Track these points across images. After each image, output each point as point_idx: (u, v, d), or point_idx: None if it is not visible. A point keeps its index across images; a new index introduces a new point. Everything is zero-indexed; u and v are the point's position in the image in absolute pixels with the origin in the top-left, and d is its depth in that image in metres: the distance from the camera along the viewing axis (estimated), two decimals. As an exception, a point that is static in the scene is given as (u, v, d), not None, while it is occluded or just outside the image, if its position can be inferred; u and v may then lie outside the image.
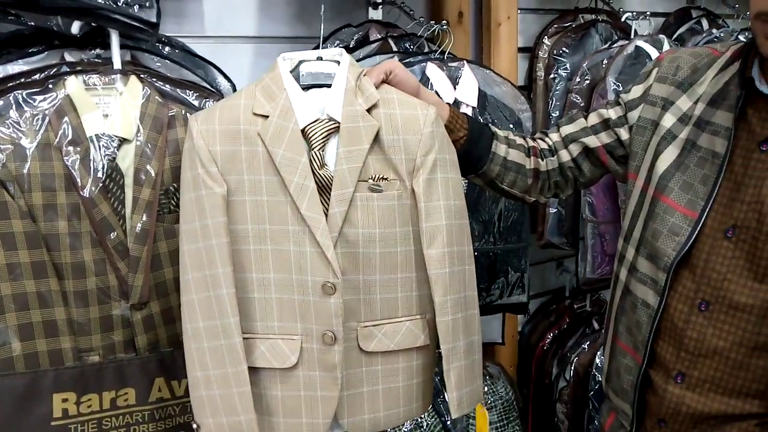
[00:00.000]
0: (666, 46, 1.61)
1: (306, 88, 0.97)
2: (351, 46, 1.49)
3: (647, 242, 0.93)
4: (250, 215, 0.95)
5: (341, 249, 0.94)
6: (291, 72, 0.97)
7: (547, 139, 1.09)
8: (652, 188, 0.94)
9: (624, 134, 1.02)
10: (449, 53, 1.44)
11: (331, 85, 0.96)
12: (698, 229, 0.87)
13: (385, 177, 0.94)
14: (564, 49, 1.67)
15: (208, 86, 1.23)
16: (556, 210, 1.66)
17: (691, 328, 0.88)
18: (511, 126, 1.43)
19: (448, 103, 1.08)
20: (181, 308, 0.98)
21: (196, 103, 1.17)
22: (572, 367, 1.79)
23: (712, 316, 0.86)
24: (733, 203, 0.85)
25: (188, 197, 0.96)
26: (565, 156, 1.07)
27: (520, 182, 1.07)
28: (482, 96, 1.41)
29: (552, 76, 1.67)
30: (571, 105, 1.61)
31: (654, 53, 1.58)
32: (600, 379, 1.74)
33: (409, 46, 1.50)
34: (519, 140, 1.08)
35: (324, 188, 0.94)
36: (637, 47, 1.57)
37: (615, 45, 1.62)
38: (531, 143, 1.09)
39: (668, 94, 0.96)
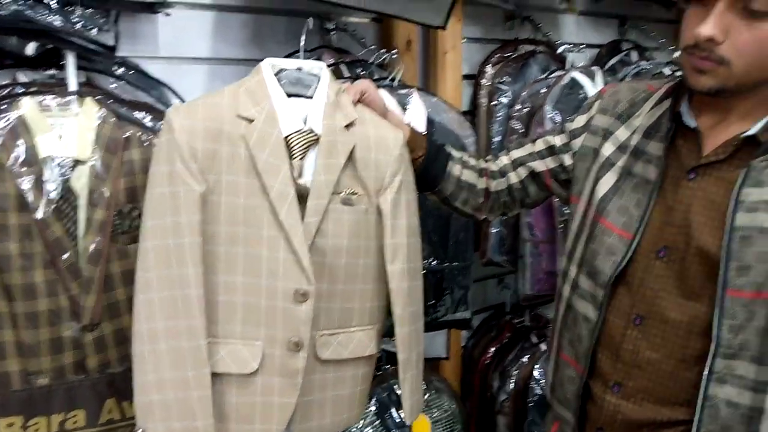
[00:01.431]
0: (598, 77, 1.73)
1: (288, 96, 0.99)
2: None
3: (588, 261, 1.01)
4: (224, 216, 0.94)
5: (312, 257, 0.95)
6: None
7: (497, 161, 1.17)
8: (593, 211, 1.02)
9: (567, 160, 1.10)
10: (399, 80, 1.49)
11: (310, 96, 0.99)
12: (633, 249, 0.95)
13: (355, 192, 0.98)
14: (505, 77, 1.76)
15: (163, 107, 1.24)
16: (497, 230, 1.74)
17: (627, 341, 0.96)
18: (458, 150, 1.50)
19: (407, 124, 1.14)
20: (135, 308, 0.94)
21: (151, 124, 1.18)
22: (512, 380, 1.87)
23: (645, 329, 0.94)
24: (664, 226, 0.94)
25: (160, 192, 0.93)
26: (513, 178, 1.15)
27: (471, 201, 1.15)
28: (430, 122, 1.48)
29: (494, 102, 1.76)
30: (511, 131, 1.70)
31: (588, 84, 1.69)
32: (538, 391, 1.84)
33: (360, 71, 1.55)
34: (472, 161, 1.15)
35: (300, 197, 0.95)
36: (573, 78, 1.68)
37: (552, 75, 1.73)
38: (483, 165, 1.16)
39: (609, 124, 1.05)
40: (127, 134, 1.12)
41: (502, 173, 1.16)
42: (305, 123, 0.98)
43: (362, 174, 0.98)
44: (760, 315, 0.85)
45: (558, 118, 1.62)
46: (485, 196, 1.15)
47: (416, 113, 1.46)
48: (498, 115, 1.74)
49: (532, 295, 1.75)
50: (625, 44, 2.11)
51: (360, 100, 1.05)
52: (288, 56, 1.53)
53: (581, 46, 1.84)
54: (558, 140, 1.12)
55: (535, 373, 1.84)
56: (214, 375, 0.95)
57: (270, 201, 0.93)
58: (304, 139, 0.96)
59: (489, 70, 1.79)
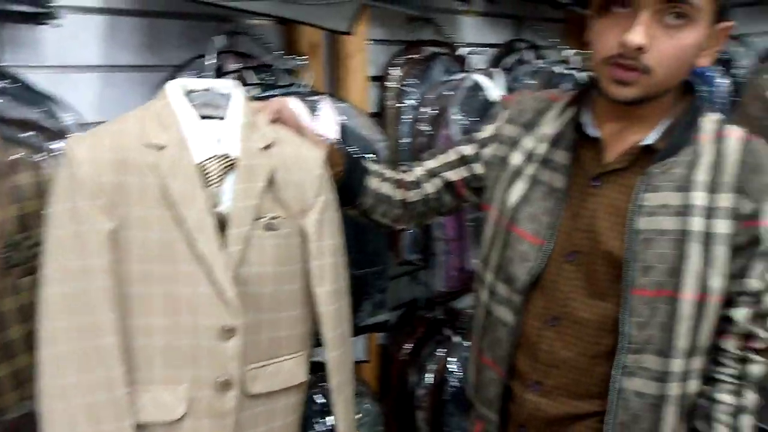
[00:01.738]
0: (498, 79, 1.79)
1: (197, 117, 0.93)
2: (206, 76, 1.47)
3: (503, 268, 1.05)
4: (136, 254, 0.88)
5: (236, 289, 0.91)
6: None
7: (412, 172, 1.19)
8: (505, 219, 1.06)
9: (479, 169, 1.14)
10: (308, 87, 1.47)
11: (222, 117, 0.94)
12: (545, 254, 1.00)
13: (277, 215, 0.94)
14: (411, 79, 1.78)
15: (53, 122, 1.14)
16: (411, 230, 1.76)
17: (543, 342, 1.01)
18: (370, 156, 1.51)
19: (324, 139, 1.12)
20: (40, 364, 0.86)
21: (40, 144, 1.08)
22: (429, 375, 1.92)
23: (560, 330, 1.00)
24: (572, 231, 0.99)
25: (62, 233, 0.85)
26: (429, 188, 1.17)
27: (390, 213, 1.15)
28: (342, 129, 1.47)
29: (400, 104, 1.78)
30: (419, 133, 1.73)
31: (489, 86, 1.75)
32: (454, 383, 1.90)
33: (267, 77, 1.50)
34: (389, 173, 1.16)
35: (220, 226, 0.90)
36: (474, 80, 1.73)
37: (455, 78, 1.77)
38: (399, 176, 1.17)
39: (516, 134, 1.09)
40: (14, 157, 1.02)
41: (418, 184, 1.18)
42: (220, 146, 0.93)
43: (284, 196, 0.95)
44: (661, 311, 0.92)
45: (463, 121, 1.67)
46: (403, 207, 1.17)
47: (327, 120, 1.45)
48: (405, 117, 1.76)
49: (446, 291, 1.79)
50: (520, 43, 2.19)
51: (276, 119, 1.02)
52: (189, 62, 1.47)
53: (483, 50, 1.89)
54: (469, 150, 1.15)
55: (451, 366, 1.90)
56: (138, 426, 0.89)
57: (187, 233, 0.88)
58: (221, 164, 0.92)
59: (395, 72, 1.80)
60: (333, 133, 1.47)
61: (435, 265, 1.80)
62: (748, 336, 0.96)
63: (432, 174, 1.17)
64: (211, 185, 0.91)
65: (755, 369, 0.97)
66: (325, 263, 0.97)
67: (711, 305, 0.92)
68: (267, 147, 0.94)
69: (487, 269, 1.09)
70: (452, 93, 1.71)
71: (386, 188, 1.14)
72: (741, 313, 0.94)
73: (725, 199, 0.91)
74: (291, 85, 1.48)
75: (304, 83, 1.46)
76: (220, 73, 1.48)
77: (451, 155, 1.17)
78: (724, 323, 0.95)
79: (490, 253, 1.08)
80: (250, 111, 0.96)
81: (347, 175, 1.09)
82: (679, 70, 0.90)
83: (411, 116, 1.76)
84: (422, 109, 1.72)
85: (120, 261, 0.87)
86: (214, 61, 1.43)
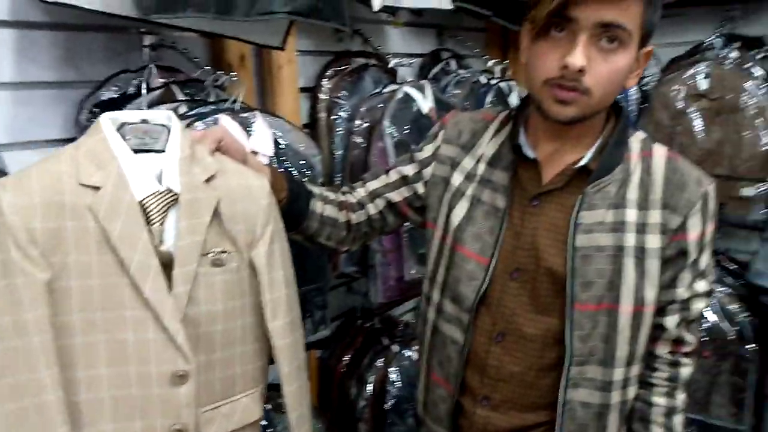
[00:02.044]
0: (428, 90, 1.81)
1: (135, 152, 0.88)
2: (130, 92, 1.39)
3: (450, 287, 1.07)
4: (76, 303, 0.82)
5: (186, 331, 0.87)
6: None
7: (355, 193, 1.18)
8: (450, 239, 1.07)
9: (420, 189, 1.15)
10: (240, 102, 1.43)
11: (161, 150, 0.90)
12: (490, 273, 1.03)
13: (225, 250, 0.90)
14: (343, 91, 1.77)
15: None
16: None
17: (492, 358, 1.04)
18: (307, 171, 1.49)
19: (268, 165, 1.09)
20: None
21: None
22: (369, 386, 1.92)
23: (507, 345, 1.03)
24: (515, 249, 1.02)
25: None
26: (372, 209, 1.17)
27: (335, 235, 1.14)
28: (276, 144, 1.44)
29: (333, 117, 1.76)
30: (353, 146, 1.72)
31: (419, 97, 1.77)
32: (394, 392, 1.91)
33: (195, 93, 1.45)
34: (331, 195, 1.15)
35: (164, 266, 0.86)
36: (405, 93, 1.75)
37: (386, 90, 1.77)
38: (342, 198, 1.16)
39: (455, 154, 1.11)
40: None
41: (361, 205, 1.17)
42: (160, 182, 0.88)
43: (230, 229, 0.91)
44: (602, 323, 0.97)
45: (395, 133, 1.68)
46: (347, 229, 1.16)
47: (262, 137, 1.42)
48: (338, 129, 1.75)
49: (384, 302, 1.80)
50: (444, 53, 2.23)
51: (217, 149, 0.98)
52: (111, 77, 1.39)
53: (411, 61, 1.91)
54: (410, 170, 1.16)
55: (391, 375, 1.91)
56: None
57: (130, 277, 0.83)
58: (162, 201, 0.87)
59: (326, 84, 1.78)
60: (268, 149, 1.44)
61: (373, 276, 1.80)
62: (678, 341, 1.03)
63: (374, 195, 1.17)
64: (153, 224, 0.86)
65: (685, 371, 1.04)
66: (277, 296, 0.95)
67: (646, 315, 0.98)
68: (210, 179, 0.90)
69: (433, 288, 1.11)
70: (384, 105, 1.71)
71: (330, 211, 1.13)
72: (672, 321, 1.01)
73: (655, 216, 0.97)
74: (222, 101, 1.43)
75: (234, 99, 1.42)
76: (146, 88, 1.41)
77: (393, 176, 1.17)
78: (657, 330, 1.02)
79: (436, 271, 1.10)
80: (189, 142, 0.91)
81: (292, 200, 1.07)
82: (614, 91, 0.94)
83: (343, 128, 1.76)
84: (356, 122, 1.71)
85: (59, 312, 0.81)
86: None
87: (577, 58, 0.87)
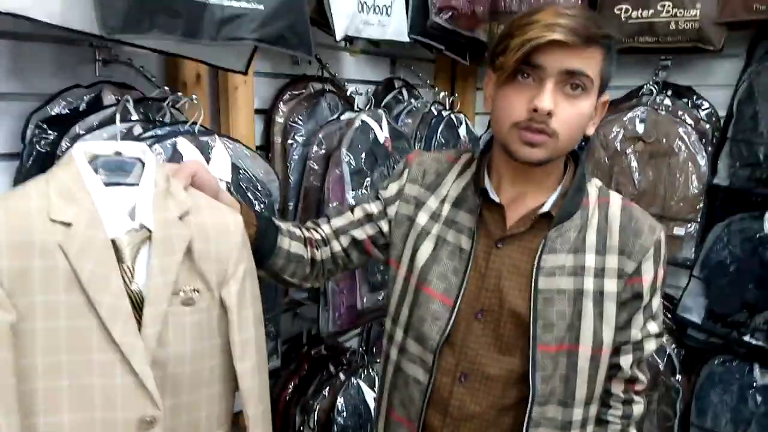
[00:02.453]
0: (384, 120, 1.83)
1: (106, 185, 0.85)
2: (82, 109, 1.33)
3: (414, 327, 1.07)
4: (40, 346, 0.78)
5: (156, 374, 0.83)
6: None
7: (320, 230, 1.17)
8: (414, 279, 1.08)
9: (385, 226, 1.15)
10: (199, 124, 1.39)
11: (134, 183, 0.86)
12: (455, 313, 1.04)
13: (196, 289, 0.87)
14: (299, 116, 1.76)
15: None
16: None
17: (455, 398, 1.05)
18: (264, 198, 1.46)
19: (238, 200, 1.07)
20: None
21: None
22: (315, 414, 1.89)
23: (469, 385, 1.04)
24: (479, 291, 1.04)
25: None
26: (336, 246, 1.16)
27: (300, 272, 1.13)
28: (235, 169, 1.41)
29: (289, 141, 1.75)
30: (310, 171, 1.71)
31: (376, 127, 1.78)
32: (341, 421, 1.89)
33: (150, 112, 1.40)
34: (297, 232, 1.13)
35: (135, 306, 0.82)
36: (363, 121, 1.76)
37: (343, 117, 1.78)
38: (306, 234, 1.15)
39: (419, 194, 1.12)
40: None
41: (325, 242, 1.17)
42: (134, 218, 0.85)
43: (202, 267, 0.88)
44: (561, 364, 1.00)
45: (353, 161, 1.68)
46: (311, 266, 1.15)
47: (221, 162, 1.38)
48: (294, 154, 1.73)
49: (335, 331, 1.78)
50: (397, 81, 2.26)
51: (191, 184, 0.95)
52: (63, 92, 1.32)
53: (364, 86, 1.92)
54: (374, 208, 1.16)
55: (338, 404, 1.89)
56: None
57: (100, 319, 0.79)
58: (134, 238, 0.84)
59: (282, 107, 1.77)
60: (226, 175, 1.41)
61: (324, 304, 1.78)
62: (632, 380, 1.08)
63: (339, 232, 1.17)
64: (124, 262, 0.83)
65: (637, 408, 1.09)
66: (246, 337, 0.92)
67: (604, 356, 1.02)
68: (183, 215, 0.88)
69: (396, 327, 1.11)
70: (342, 132, 1.71)
71: (296, 248, 1.11)
72: (626, 360, 1.06)
73: (612, 261, 1.02)
74: (179, 123, 1.39)
75: (194, 121, 1.38)
76: (97, 105, 1.35)
77: (358, 213, 1.17)
78: (612, 369, 1.06)
79: (400, 311, 1.10)
80: (163, 177, 0.88)
81: (260, 237, 1.05)
82: (578, 135, 0.99)
83: (299, 154, 1.74)
84: (313, 148, 1.70)
85: (22, 355, 0.76)
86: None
87: (546, 101, 0.91)
